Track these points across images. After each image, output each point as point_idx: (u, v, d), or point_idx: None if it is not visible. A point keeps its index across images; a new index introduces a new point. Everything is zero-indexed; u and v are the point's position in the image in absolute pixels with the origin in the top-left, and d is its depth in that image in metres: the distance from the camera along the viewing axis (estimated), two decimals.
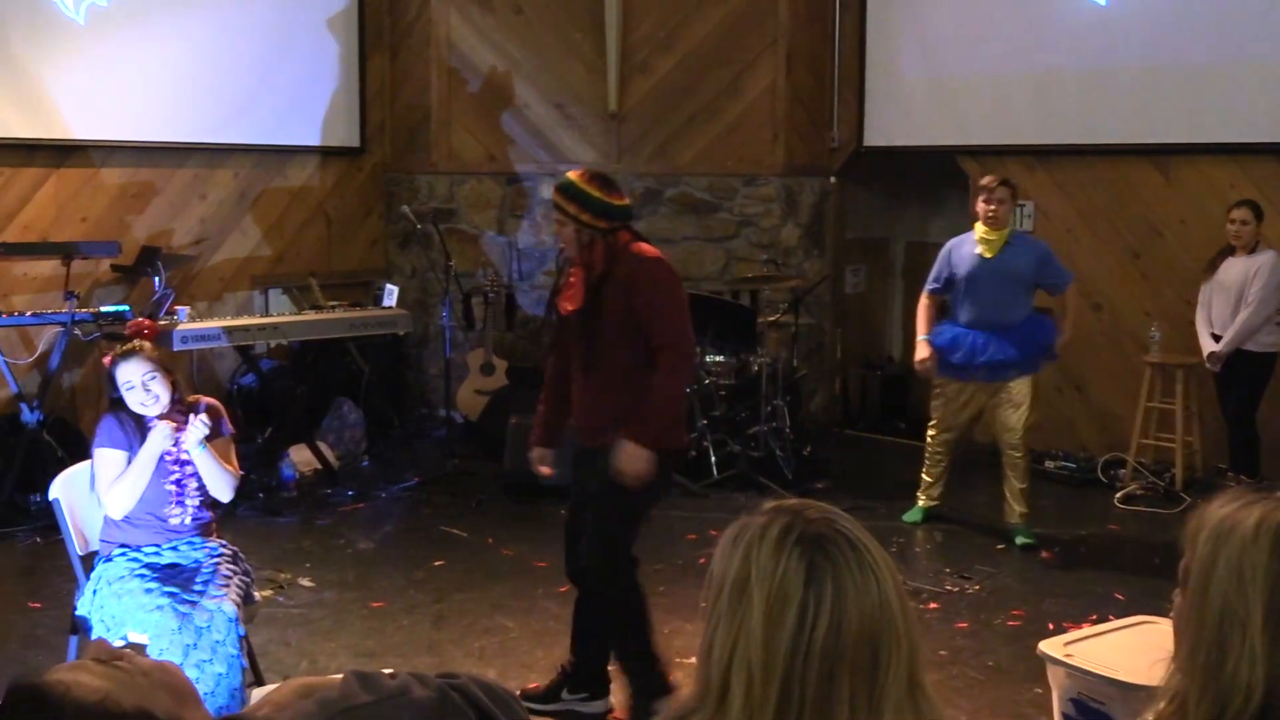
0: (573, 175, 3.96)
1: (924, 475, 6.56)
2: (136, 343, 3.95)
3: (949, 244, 6.26)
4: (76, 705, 1.33)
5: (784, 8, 8.33)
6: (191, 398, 4.03)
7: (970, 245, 6.09)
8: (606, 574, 4.02)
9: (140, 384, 3.83)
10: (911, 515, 6.53)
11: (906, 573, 5.65)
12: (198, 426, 3.81)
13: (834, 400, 8.93)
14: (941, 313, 6.31)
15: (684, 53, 8.37)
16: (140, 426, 3.84)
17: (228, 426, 4.05)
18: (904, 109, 8.35)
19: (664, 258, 3.96)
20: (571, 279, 4.00)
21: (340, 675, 1.53)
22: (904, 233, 9.48)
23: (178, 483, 3.86)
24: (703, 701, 1.37)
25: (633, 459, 3.83)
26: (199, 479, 3.88)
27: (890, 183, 9.20)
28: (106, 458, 3.81)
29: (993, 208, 5.98)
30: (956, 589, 5.53)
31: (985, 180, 6.19)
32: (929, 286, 6.24)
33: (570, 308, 3.97)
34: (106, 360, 3.95)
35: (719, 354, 7.42)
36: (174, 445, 3.84)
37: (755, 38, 8.37)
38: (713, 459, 7.16)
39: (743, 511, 1.46)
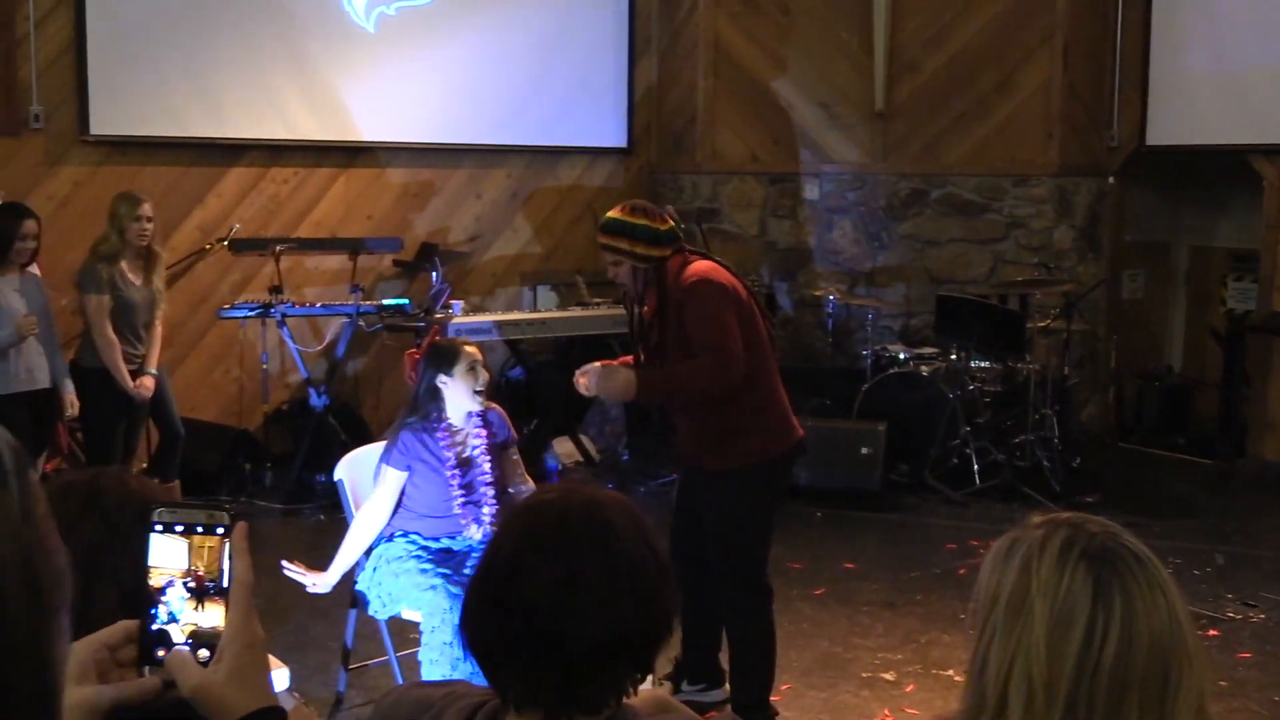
0: (614, 212, 3.92)
1: None
2: (461, 339, 4.16)
3: None
4: None
5: (1062, 0, 8.01)
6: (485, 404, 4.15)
7: None
8: (745, 592, 3.96)
9: (480, 366, 4.02)
10: None
11: (1183, 596, 5.34)
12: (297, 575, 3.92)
13: (1107, 411, 8.52)
14: None
15: (954, 50, 8.16)
16: (428, 445, 3.97)
17: (510, 430, 4.18)
18: (1191, 105, 7.88)
19: (711, 274, 3.80)
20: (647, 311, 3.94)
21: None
22: (1187, 236, 8.95)
23: (465, 492, 3.98)
24: (977, 717, 1.33)
25: (612, 384, 3.78)
26: (490, 479, 4.02)
27: (1173, 183, 8.72)
28: (387, 475, 3.98)
29: None
30: (1239, 616, 5.19)
31: None
32: None
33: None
34: (461, 343, 4.11)
35: (984, 360, 7.21)
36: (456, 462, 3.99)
37: (1030, 32, 8.08)
38: (975, 467, 6.96)
39: (1006, 523, 1.42)
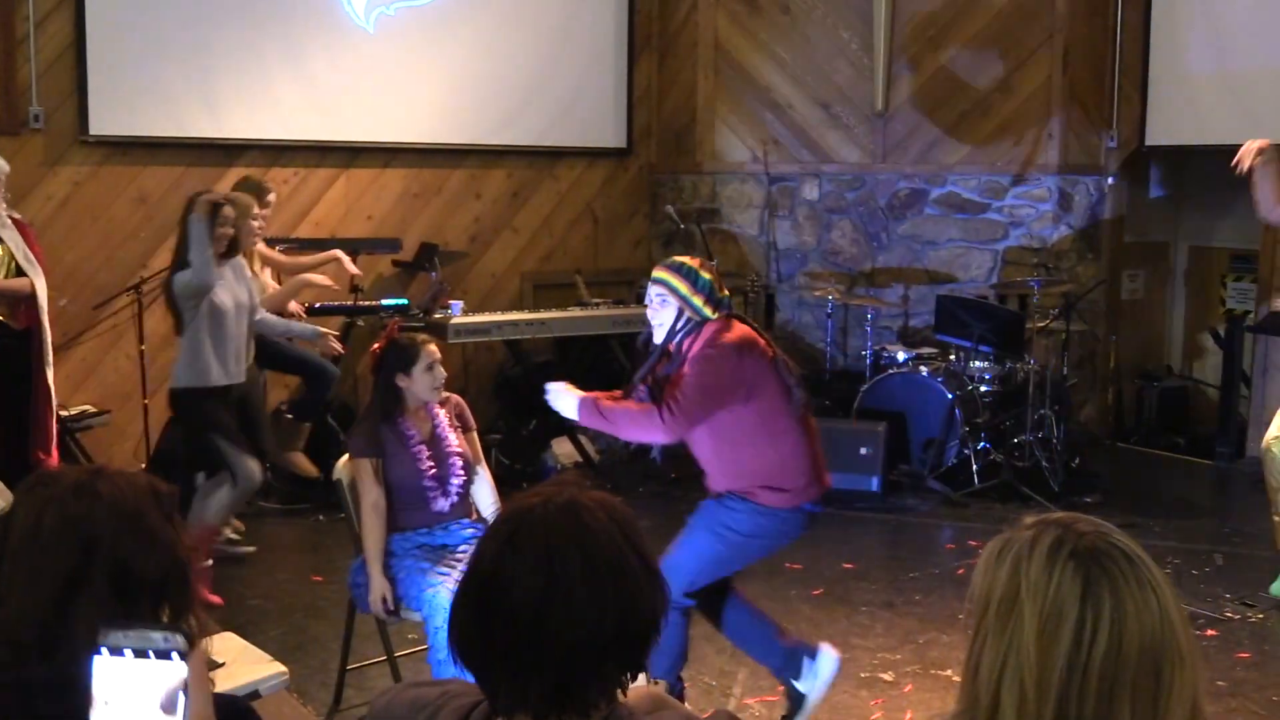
0: (687, 259, 3.90)
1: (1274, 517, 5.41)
2: (423, 336, 4.19)
3: None
4: None
5: (1062, 1, 8.01)
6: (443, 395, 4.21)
7: None
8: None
9: (438, 365, 4.05)
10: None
11: (1181, 596, 5.34)
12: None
13: (1106, 411, 8.53)
14: None
15: (954, 50, 8.17)
16: (390, 430, 4.01)
17: (471, 419, 4.26)
18: (1191, 105, 7.88)
19: (732, 342, 3.76)
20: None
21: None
22: (1186, 236, 8.95)
23: (433, 473, 4.03)
24: (972, 718, 1.33)
25: (561, 401, 3.93)
26: (457, 451, 4.06)
27: (1173, 183, 8.71)
28: (362, 467, 4.00)
29: None
30: (1238, 616, 5.20)
31: None
32: None
33: None
34: (422, 342, 4.11)
35: (983, 360, 7.22)
36: (429, 445, 4.03)
37: (1030, 33, 8.08)
38: (974, 467, 6.97)
39: (1005, 523, 1.42)
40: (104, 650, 1.14)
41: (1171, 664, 1.29)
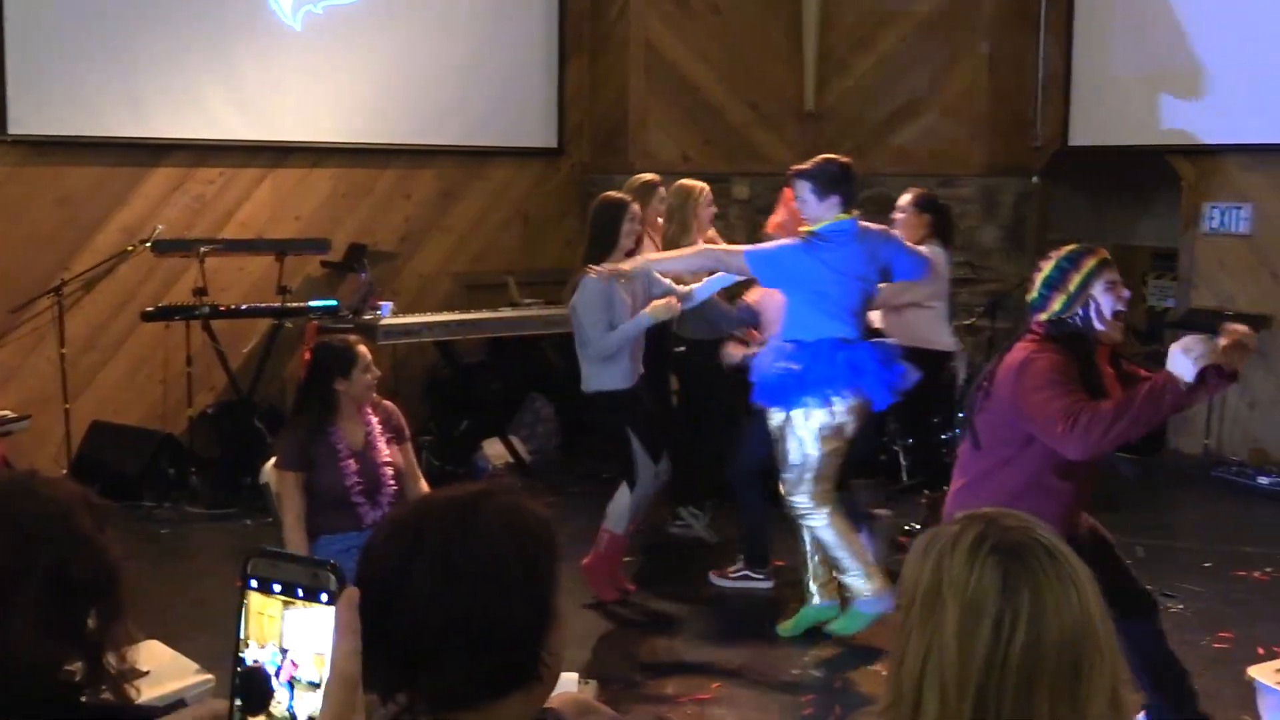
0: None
1: None
2: (354, 338, 4.14)
3: None
4: None
5: (988, 3, 8.13)
6: (374, 398, 4.15)
7: None
8: None
9: (372, 365, 4.02)
10: None
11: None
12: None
13: None
14: None
15: (883, 51, 8.25)
16: (319, 441, 3.95)
17: (405, 428, 4.20)
18: (1113, 106, 8.03)
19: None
20: None
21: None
22: (1111, 234, 9.11)
23: (361, 488, 3.97)
24: (896, 713, 1.35)
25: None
26: (388, 461, 4.01)
27: (1096, 183, 8.87)
28: (287, 479, 3.95)
29: None
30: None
31: None
32: None
33: None
34: (355, 343, 4.07)
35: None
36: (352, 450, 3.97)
37: (957, 35, 8.18)
38: (902, 464, 7.03)
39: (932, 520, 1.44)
40: (254, 583, 1.11)
41: (1090, 657, 1.31)
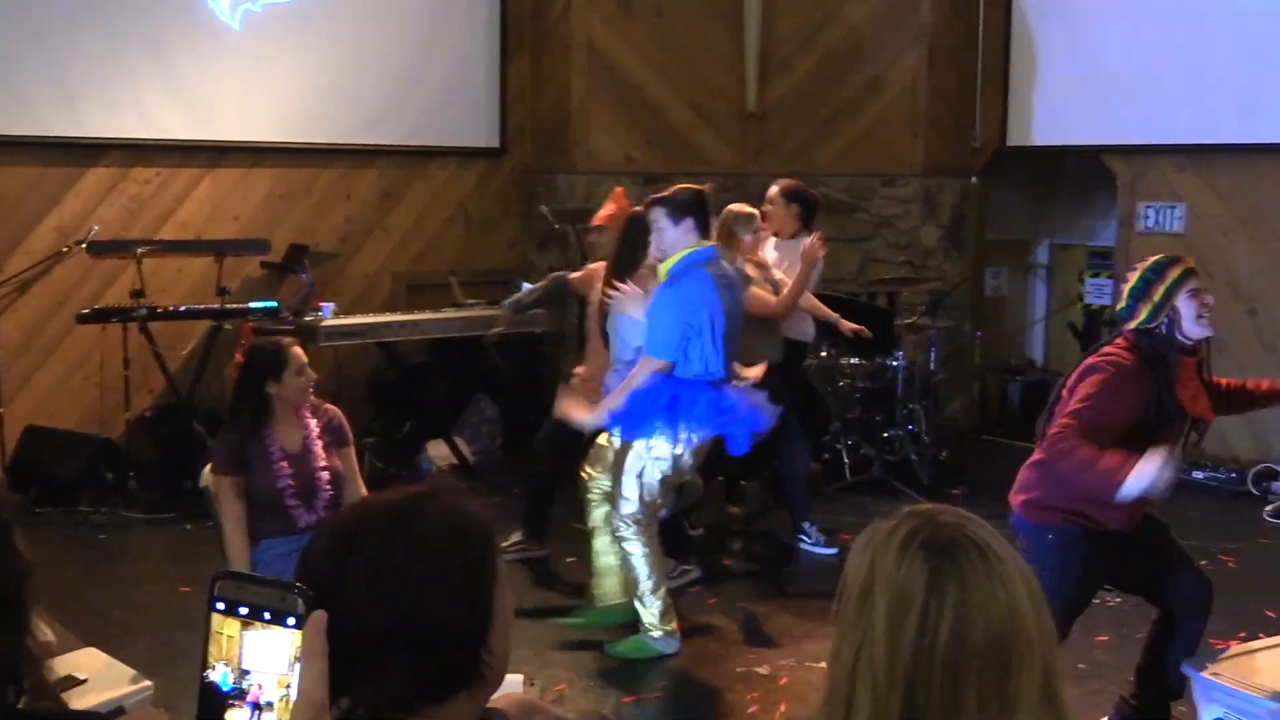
0: None
1: None
2: (288, 339, 4.08)
3: None
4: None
5: (926, 5, 8.21)
6: (315, 401, 4.10)
7: None
8: None
9: (307, 367, 3.97)
10: None
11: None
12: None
13: (972, 405, 8.76)
14: None
15: (824, 51, 8.31)
16: (253, 444, 3.91)
17: (348, 433, 4.13)
18: (1050, 107, 8.15)
19: None
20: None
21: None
22: (1048, 234, 9.25)
23: (294, 492, 3.92)
24: (832, 709, 1.36)
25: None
26: (324, 465, 3.97)
27: (1034, 183, 8.99)
28: (223, 484, 3.91)
29: None
30: (1098, 601, 5.35)
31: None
32: None
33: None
34: (288, 345, 4.01)
35: (855, 356, 7.34)
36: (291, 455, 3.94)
37: (897, 36, 8.26)
38: (846, 462, 7.09)
39: (877, 517, 1.45)
40: (220, 605, 1.09)
41: (1019, 653, 1.33)
